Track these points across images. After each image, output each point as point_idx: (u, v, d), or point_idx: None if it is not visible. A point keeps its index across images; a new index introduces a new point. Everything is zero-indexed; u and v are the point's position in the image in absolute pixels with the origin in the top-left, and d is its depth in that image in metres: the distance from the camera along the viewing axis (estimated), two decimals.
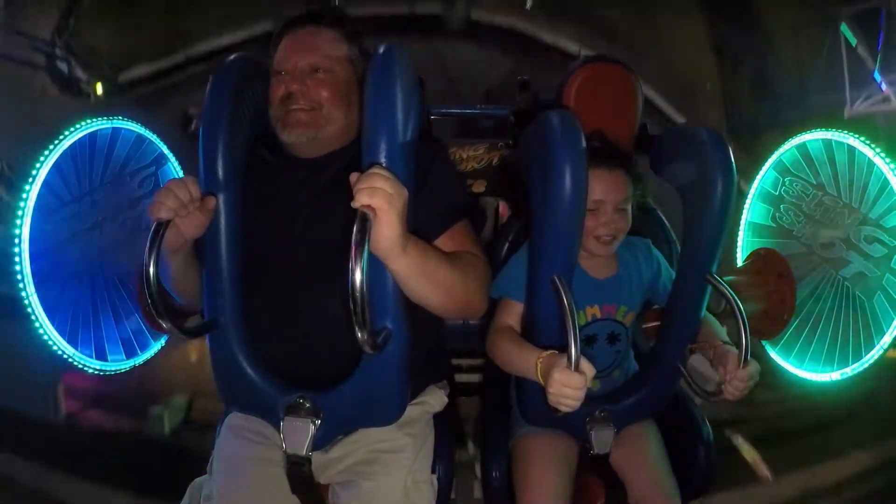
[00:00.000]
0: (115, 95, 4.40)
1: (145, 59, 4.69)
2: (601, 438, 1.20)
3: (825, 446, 2.40)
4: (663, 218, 1.46)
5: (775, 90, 4.78)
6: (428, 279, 0.98)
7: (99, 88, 4.31)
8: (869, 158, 1.34)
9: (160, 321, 0.95)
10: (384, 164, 0.91)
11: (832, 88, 4.40)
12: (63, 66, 4.31)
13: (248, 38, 4.66)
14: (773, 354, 1.56)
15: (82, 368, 1.37)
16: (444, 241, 1.06)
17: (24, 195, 1.24)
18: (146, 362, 1.60)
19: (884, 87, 4.25)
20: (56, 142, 1.29)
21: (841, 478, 2.29)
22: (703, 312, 1.19)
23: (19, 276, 1.24)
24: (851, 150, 1.38)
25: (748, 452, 2.47)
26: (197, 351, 2.79)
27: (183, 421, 2.56)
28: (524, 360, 1.06)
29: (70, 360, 1.34)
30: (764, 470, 2.36)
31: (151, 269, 0.91)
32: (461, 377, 1.73)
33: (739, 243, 1.70)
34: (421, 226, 0.98)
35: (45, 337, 1.29)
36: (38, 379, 2.26)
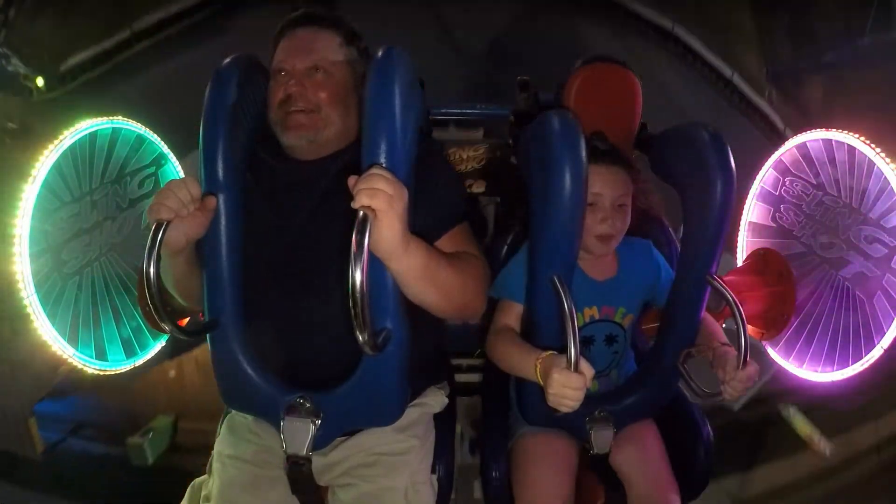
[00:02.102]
0: (58, 86, 3.75)
1: (88, 42, 4.00)
2: (601, 438, 1.20)
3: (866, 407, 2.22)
4: (663, 219, 1.46)
5: (815, 30, 4.01)
6: (428, 280, 0.98)
7: (40, 82, 3.60)
8: (869, 158, 1.34)
9: (160, 322, 0.96)
10: (384, 165, 0.91)
11: (887, 27, 3.47)
12: None
13: (199, 1, 4.09)
14: (773, 354, 1.55)
15: (83, 368, 1.37)
16: (444, 243, 1.07)
17: (24, 195, 1.24)
18: (131, 378, 1.51)
19: None
20: (56, 142, 1.29)
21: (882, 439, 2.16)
22: (703, 313, 1.19)
23: (19, 276, 1.24)
24: (852, 149, 1.38)
25: (802, 426, 2.29)
26: (175, 368, 2.55)
27: (169, 447, 2.33)
28: (523, 361, 1.06)
29: (70, 360, 1.34)
30: (821, 443, 2.22)
31: (152, 270, 0.91)
32: (461, 377, 1.73)
33: (739, 243, 1.70)
34: (421, 228, 0.98)
35: (46, 337, 1.29)
36: (6, 413, 2.07)
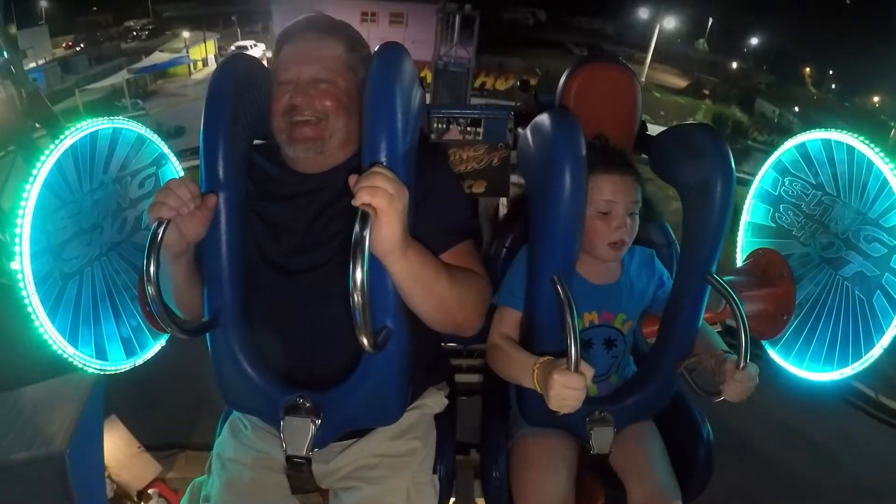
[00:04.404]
0: None
1: None
2: (601, 439, 1.20)
3: None
4: (664, 220, 1.47)
5: None
6: (427, 287, 0.97)
7: None
8: (868, 158, 1.33)
9: (160, 321, 0.96)
10: (385, 164, 0.91)
11: None
12: None
13: None
14: (773, 354, 1.55)
15: (83, 368, 1.37)
16: (447, 258, 1.05)
17: (25, 195, 1.24)
18: None
19: None
20: (57, 141, 1.29)
21: None
22: (702, 321, 1.19)
23: (19, 276, 1.23)
24: (851, 149, 1.38)
25: None
26: None
27: None
28: (520, 369, 1.06)
29: (70, 359, 1.34)
30: None
31: (151, 269, 0.91)
32: (461, 377, 1.73)
33: (739, 243, 1.70)
34: (425, 241, 0.97)
35: (46, 336, 1.28)
36: None
